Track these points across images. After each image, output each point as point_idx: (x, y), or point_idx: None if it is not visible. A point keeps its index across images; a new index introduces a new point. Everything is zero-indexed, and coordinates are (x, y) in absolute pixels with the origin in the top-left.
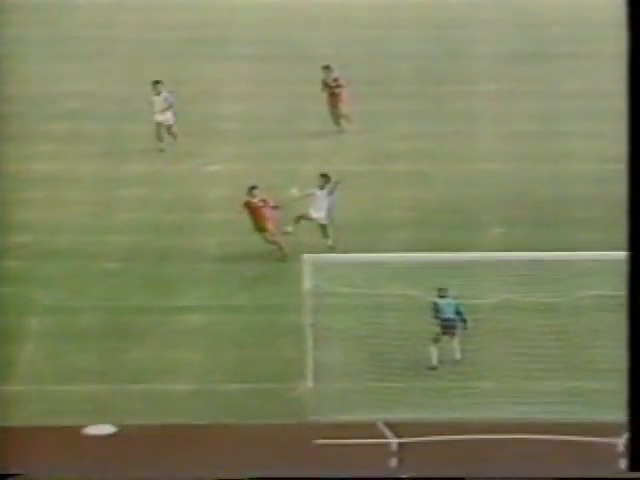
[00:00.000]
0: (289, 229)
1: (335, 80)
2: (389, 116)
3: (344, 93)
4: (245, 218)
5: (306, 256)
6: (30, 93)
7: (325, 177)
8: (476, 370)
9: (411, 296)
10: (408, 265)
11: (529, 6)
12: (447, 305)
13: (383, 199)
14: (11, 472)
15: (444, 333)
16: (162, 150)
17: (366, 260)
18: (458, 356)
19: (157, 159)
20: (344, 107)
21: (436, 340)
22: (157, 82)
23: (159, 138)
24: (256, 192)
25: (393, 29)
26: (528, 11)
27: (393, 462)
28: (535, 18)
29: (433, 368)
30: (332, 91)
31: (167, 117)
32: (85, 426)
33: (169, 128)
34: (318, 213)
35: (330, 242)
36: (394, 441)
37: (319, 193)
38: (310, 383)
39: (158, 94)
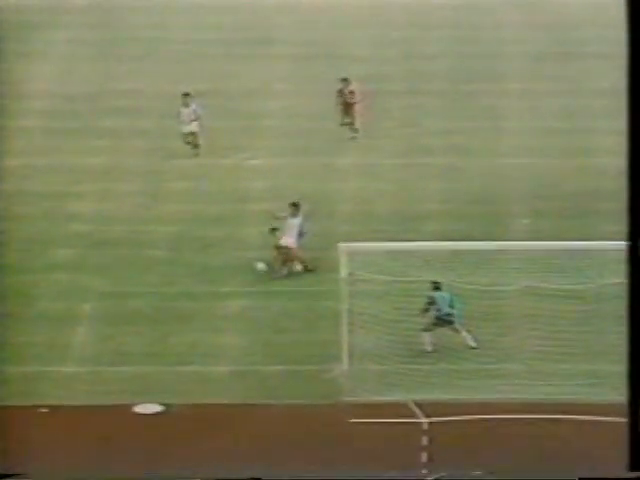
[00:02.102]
0: (299, 268)
1: (351, 92)
2: (423, 112)
3: (357, 106)
4: (286, 208)
5: (342, 245)
6: (85, 91)
7: (295, 205)
8: (503, 353)
9: (441, 283)
10: (439, 253)
11: (556, 8)
12: (442, 298)
13: (416, 191)
14: (14, 471)
15: (441, 325)
16: (196, 155)
17: (399, 249)
18: (473, 344)
19: (202, 154)
20: (356, 118)
21: (427, 330)
22: (186, 94)
23: (194, 146)
24: (278, 233)
25: (427, 30)
26: (555, 13)
27: (424, 440)
28: (562, 20)
29: (428, 352)
30: (346, 101)
31: (193, 127)
32: (134, 405)
33: (194, 138)
34: (287, 239)
35: (298, 267)
36: (424, 420)
37: (291, 221)
38: (345, 365)
39: (187, 106)
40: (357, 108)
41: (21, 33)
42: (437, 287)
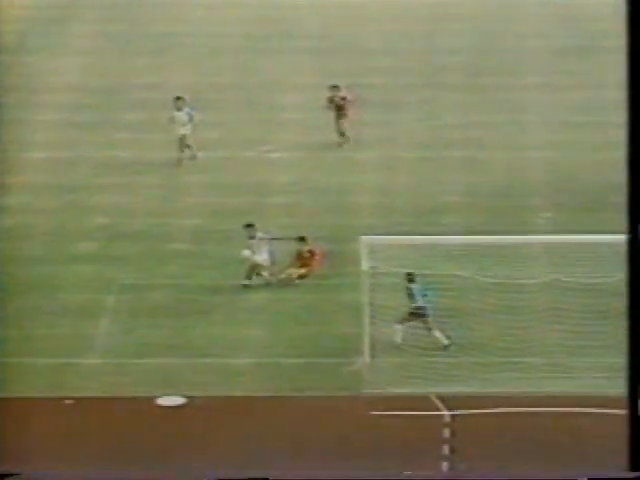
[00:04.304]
0: (247, 282)
1: (343, 98)
2: (442, 106)
3: (350, 111)
4: (306, 201)
5: (363, 238)
6: (107, 84)
7: (250, 226)
8: (524, 346)
9: (461, 276)
10: (459, 247)
11: (576, 1)
12: (417, 290)
13: (437, 184)
14: (13, 471)
15: (415, 319)
16: (193, 158)
17: (420, 242)
18: (446, 342)
19: (223, 147)
20: (348, 123)
21: (402, 321)
22: (178, 98)
23: (182, 149)
24: (305, 246)
25: (445, 24)
26: (573, 7)
27: (445, 433)
28: (580, 14)
29: (397, 347)
30: (339, 107)
31: (186, 130)
32: (157, 397)
33: (185, 140)
34: (262, 256)
35: (271, 279)
36: (446, 413)
37: (254, 242)
38: (367, 358)
39: (180, 109)
40: (350, 114)
41: (44, 28)
42: (411, 279)
